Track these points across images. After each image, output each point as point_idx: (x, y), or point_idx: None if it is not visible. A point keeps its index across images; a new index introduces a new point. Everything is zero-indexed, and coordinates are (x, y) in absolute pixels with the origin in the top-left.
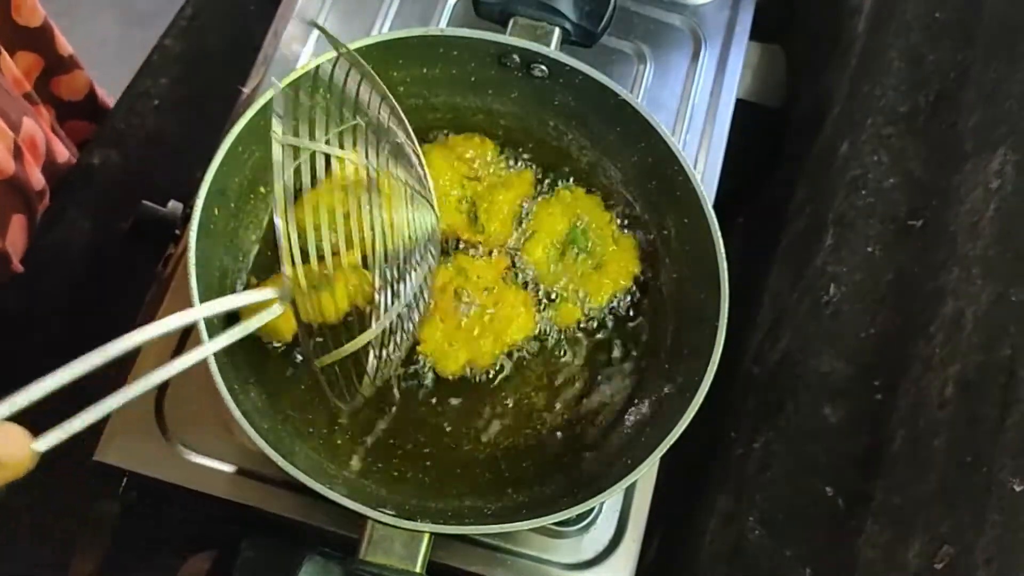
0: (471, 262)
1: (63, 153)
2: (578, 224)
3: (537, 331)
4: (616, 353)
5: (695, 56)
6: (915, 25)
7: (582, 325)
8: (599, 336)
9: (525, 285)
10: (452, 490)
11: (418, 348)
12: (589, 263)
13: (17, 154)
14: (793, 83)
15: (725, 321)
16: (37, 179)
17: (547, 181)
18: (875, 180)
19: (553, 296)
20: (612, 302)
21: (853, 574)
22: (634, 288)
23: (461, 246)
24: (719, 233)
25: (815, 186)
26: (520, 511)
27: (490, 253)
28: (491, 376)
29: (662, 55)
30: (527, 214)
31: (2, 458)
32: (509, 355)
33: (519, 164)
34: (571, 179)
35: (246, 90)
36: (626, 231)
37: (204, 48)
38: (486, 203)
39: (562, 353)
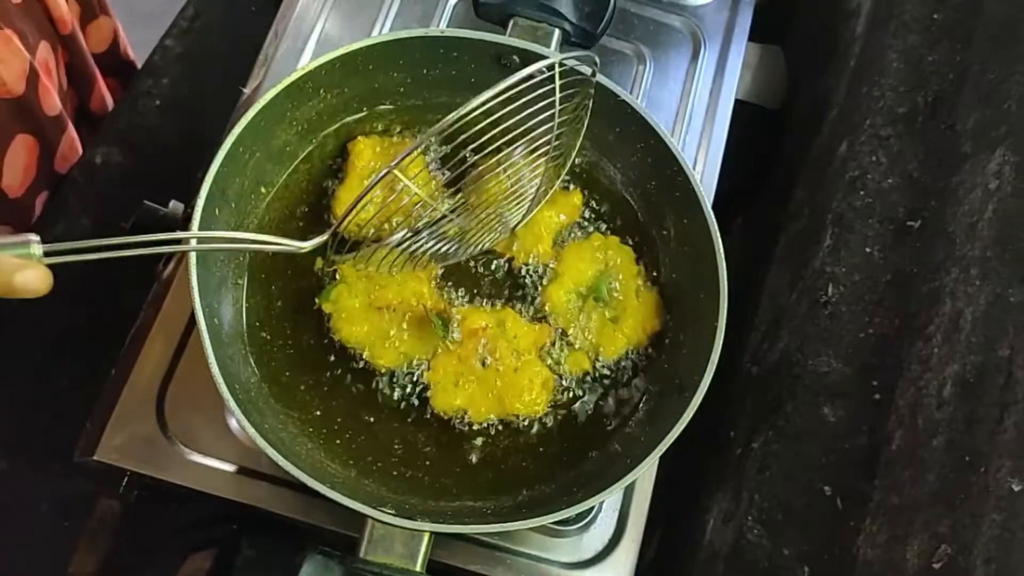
0: (516, 321)
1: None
2: (605, 274)
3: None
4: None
5: (694, 57)
6: (914, 26)
7: (588, 375)
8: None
9: (557, 367)
10: (452, 489)
11: (424, 371)
12: (607, 314)
13: (32, 76)
14: (792, 84)
15: (724, 321)
16: (51, 104)
17: (582, 223)
18: (874, 181)
19: (565, 341)
20: (624, 358)
21: (851, 573)
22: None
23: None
24: (718, 233)
25: (814, 187)
26: (520, 510)
27: (540, 319)
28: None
29: (661, 56)
30: (561, 242)
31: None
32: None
33: (571, 186)
34: (607, 226)
35: (247, 90)
36: (651, 287)
37: (205, 48)
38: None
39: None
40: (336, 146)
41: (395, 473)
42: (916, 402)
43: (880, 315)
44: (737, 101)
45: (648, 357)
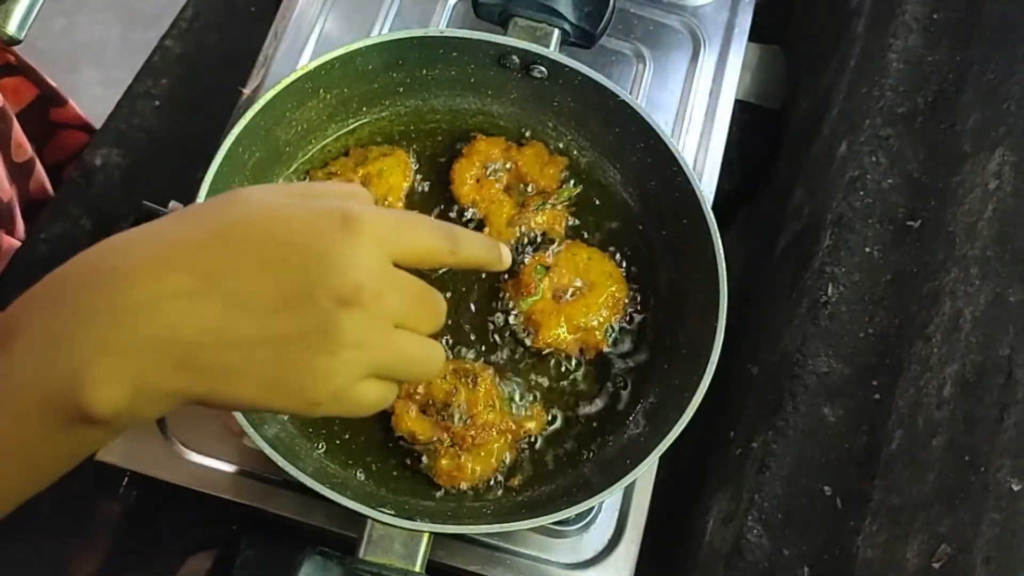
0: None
1: None
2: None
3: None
4: (615, 354)
5: (694, 57)
6: (914, 26)
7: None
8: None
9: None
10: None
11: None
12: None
13: None
14: (792, 84)
15: (724, 321)
16: None
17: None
18: (873, 181)
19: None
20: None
21: (851, 573)
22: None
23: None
24: (718, 234)
25: (813, 187)
26: (520, 511)
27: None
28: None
29: (661, 56)
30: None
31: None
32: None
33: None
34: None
35: (246, 91)
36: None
37: (205, 49)
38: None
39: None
40: (337, 147)
41: (395, 473)
42: (916, 402)
43: (880, 315)
44: (737, 101)
45: (644, 348)
